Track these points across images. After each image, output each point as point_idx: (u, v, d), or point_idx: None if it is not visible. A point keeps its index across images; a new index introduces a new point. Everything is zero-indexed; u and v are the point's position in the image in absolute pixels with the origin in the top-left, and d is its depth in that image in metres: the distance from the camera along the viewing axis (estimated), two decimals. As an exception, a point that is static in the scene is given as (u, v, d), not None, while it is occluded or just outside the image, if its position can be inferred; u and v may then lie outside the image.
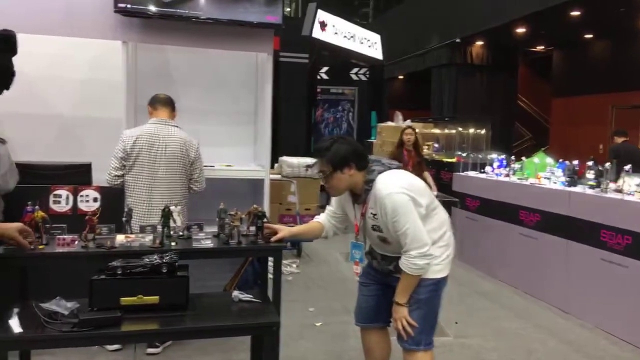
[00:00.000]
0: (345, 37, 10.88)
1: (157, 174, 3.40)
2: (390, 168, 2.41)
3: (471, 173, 6.45)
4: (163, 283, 2.17)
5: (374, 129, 11.36)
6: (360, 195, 2.42)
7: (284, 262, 6.03)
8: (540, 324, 4.43)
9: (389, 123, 8.92)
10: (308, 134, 10.97)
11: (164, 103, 3.64)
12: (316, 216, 2.85)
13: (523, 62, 14.69)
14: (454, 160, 7.18)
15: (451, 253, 2.52)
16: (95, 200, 3.83)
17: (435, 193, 5.26)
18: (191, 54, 4.40)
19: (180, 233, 2.68)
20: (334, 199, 2.68)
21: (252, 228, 2.64)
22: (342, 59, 12.09)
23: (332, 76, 12.70)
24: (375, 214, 2.36)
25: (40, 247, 2.34)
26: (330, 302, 4.77)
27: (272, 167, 8.06)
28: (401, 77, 17.02)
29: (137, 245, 2.43)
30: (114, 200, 3.67)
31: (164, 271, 2.18)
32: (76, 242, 2.37)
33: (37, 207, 2.43)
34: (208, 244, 2.49)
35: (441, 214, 2.51)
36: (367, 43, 11.76)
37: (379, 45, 12.21)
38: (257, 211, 2.60)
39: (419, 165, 6.13)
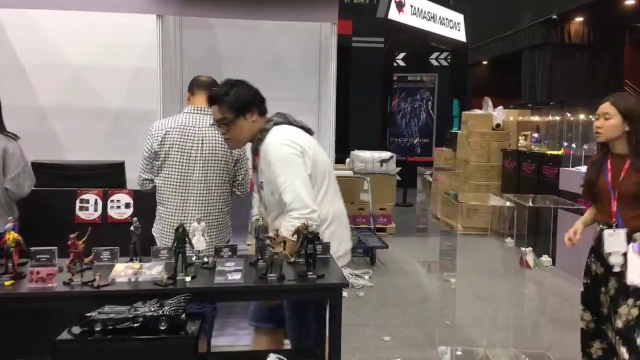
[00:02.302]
0: (424, 18, 9.90)
1: (191, 177, 2.70)
2: (291, 123, 2.27)
3: (583, 168, 5.28)
4: (161, 346, 1.44)
5: (456, 119, 10.28)
6: (253, 146, 2.27)
7: (355, 272, 5.25)
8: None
9: (476, 111, 7.85)
10: (383, 125, 10.10)
11: (204, 87, 2.93)
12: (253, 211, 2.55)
13: (630, 40, 12.87)
14: (559, 152, 6.04)
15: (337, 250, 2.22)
16: (127, 206, 3.25)
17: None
18: (243, 31, 3.72)
19: (205, 260, 1.96)
20: None
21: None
22: (420, 43, 11.10)
23: (410, 62, 11.75)
24: (261, 169, 2.22)
25: (7, 283, 1.70)
26: (410, 328, 3.91)
27: (343, 162, 7.45)
28: (485, 62, 15.65)
29: (137, 281, 1.72)
30: (150, 207, 3.05)
31: (163, 328, 1.46)
32: (55, 276, 1.70)
33: (10, 225, 1.78)
34: (235, 279, 1.73)
35: (335, 204, 2.29)
36: (449, 24, 10.68)
37: (462, 26, 11.08)
38: (307, 232, 1.82)
39: None
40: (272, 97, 3.85)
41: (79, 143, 3.96)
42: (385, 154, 7.12)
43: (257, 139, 2.23)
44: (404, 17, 9.36)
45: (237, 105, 2.19)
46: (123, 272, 1.77)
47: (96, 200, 3.19)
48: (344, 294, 4.46)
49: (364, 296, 4.63)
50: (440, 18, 10.36)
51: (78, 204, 3.18)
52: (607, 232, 2.38)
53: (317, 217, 2.09)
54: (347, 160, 7.18)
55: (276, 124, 2.23)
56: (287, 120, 2.28)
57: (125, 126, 4.00)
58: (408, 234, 7.05)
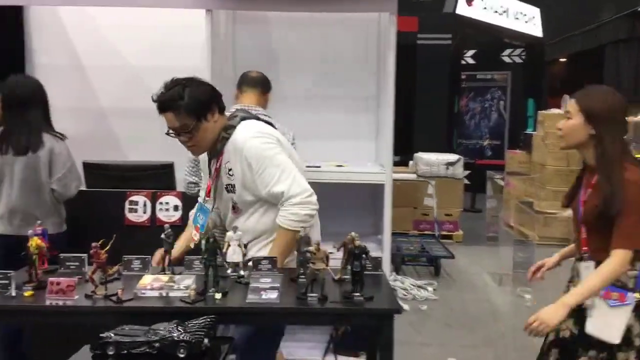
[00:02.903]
0: (496, 12, 9.35)
1: (235, 180, 2.53)
2: (257, 118, 2.12)
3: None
4: (177, 378, 1.24)
5: (531, 119, 9.61)
6: (216, 146, 2.00)
7: (418, 282, 4.92)
8: None
9: (554, 110, 7.25)
10: (450, 126, 9.61)
11: (252, 83, 2.79)
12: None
13: None
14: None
15: None
16: (176, 208, 3.13)
17: None
18: (297, 25, 3.52)
19: (242, 273, 1.76)
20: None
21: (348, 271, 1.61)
22: (492, 39, 10.50)
23: (480, 60, 11.15)
24: (231, 170, 1.98)
25: (27, 294, 1.57)
26: (478, 350, 3.54)
27: (406, 164, 7.12)
28: (563, 59, 14.69)
29: (163, 296, 1.54)
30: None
31: (182, 356, 1.26)
32: (75, 288, 1.55)
33: (32, 231, 1.66)
34: (271, 299, 1.51)
35: None
36: (524, 18, 10.03)
37: (537, 21, 10.37)
38: (354, 245, 1.57)
39: None
40: (327, 94, 3.69)
41: (139, 143, 3.90)
42: (452, 157, 6.72)
43: (223, 138, 1.98)
44: (474, 12, 8.87)
45: (196, 107, 1.90)
46: (149, 285, 1.60)
47: (145, 202, 3.09)
48: (405, 306, 4.17)
49: (426, 310, 4.29)
50: (513, 12, 9.74)
51: (127, 205, 3.09)
52: (583, 265, 1.85)
53: (316, 200, 1.95)
54: (411, 162, 6.84)
55: (242, 119, 2.03)
56: (251, 115, 2.12)
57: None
58: (477, 242, 6.58)
